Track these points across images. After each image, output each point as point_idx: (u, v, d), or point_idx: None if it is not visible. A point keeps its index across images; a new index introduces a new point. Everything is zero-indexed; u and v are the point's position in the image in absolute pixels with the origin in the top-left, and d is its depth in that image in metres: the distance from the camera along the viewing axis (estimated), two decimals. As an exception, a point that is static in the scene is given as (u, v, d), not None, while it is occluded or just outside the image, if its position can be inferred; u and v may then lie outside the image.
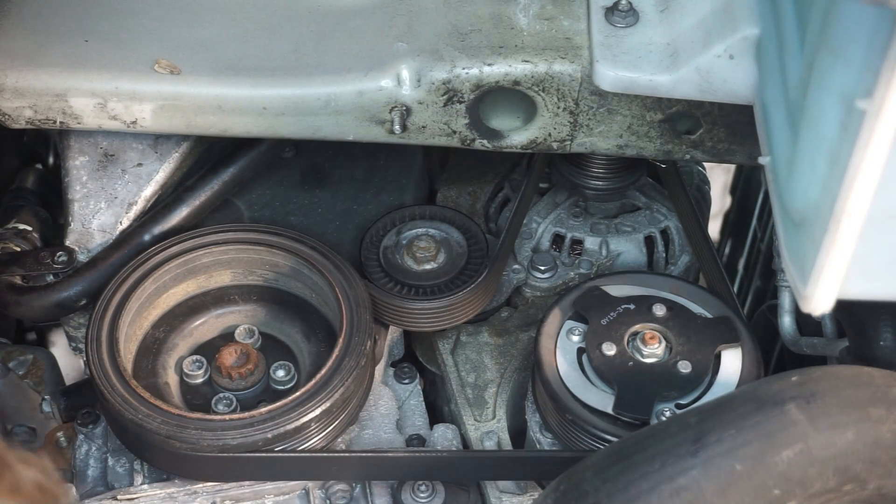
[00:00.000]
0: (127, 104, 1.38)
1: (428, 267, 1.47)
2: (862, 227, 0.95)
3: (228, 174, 1.51)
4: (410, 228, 1.50)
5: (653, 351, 1.35)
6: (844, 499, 1.08)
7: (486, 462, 1.39)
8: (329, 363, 1.34)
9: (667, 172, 1.59)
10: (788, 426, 1.06)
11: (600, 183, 1.60)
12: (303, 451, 1.32)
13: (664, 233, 1.59)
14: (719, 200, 2.39)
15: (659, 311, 1.38)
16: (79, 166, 1.48)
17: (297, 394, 1.33)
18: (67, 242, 1.46)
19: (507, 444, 1.42)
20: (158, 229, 1.46)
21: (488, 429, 1.44)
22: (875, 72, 0.87)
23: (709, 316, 1.40)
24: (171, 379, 1.41)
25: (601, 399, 1.34)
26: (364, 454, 1.36)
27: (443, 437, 1.43)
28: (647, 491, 1.04)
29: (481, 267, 1.47)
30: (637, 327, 1.37)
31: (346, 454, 1.37)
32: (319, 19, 1.45)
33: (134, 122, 1.40)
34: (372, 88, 1.37)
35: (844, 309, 1.34)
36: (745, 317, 1.43)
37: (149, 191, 1.48)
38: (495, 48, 1.38)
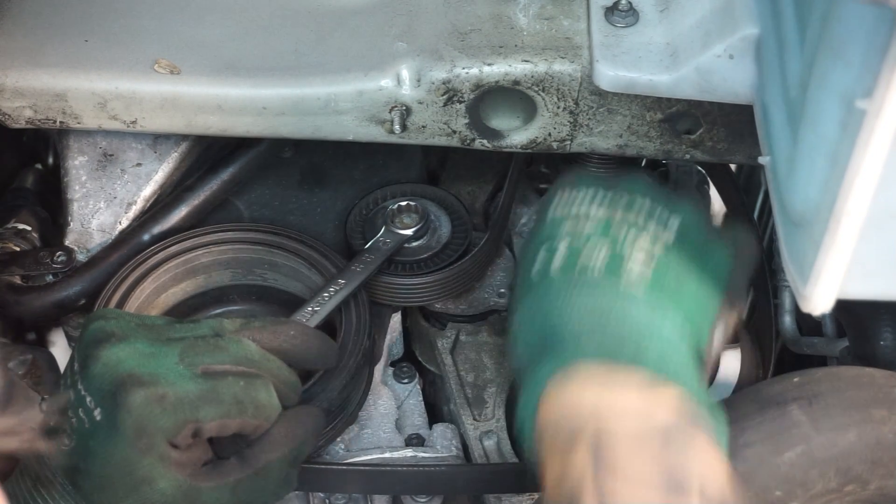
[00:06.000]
0: (127, 104, 1.38)
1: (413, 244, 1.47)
2: (862, 227, 0.95)
3: (228, 174, 1.51)
4: (392, 204, 1.50)
5: (653, 351, 1.34)
6: (846, 499, 1.09)
7: (490, 475, 1.39)
8: (329, 363, 1.34)
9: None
10: (790, 427, 1.06)
11: (600, 183, 1.59)
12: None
13: (664, 232, 1.58)
14: (720, 200, 2.38)
15: (659, 310, 1.38)
16: (78, 166, 1.48)
17: (297, 394, 1.32)
18: (67, 242, 1.45)
19: (506, 444, 1.42)
20: (158, 229, 1.46)
21: (487, 428, 1.44)
22: (875, 72, 0.87)
23: (708, 316, 1.40)
24: (171, 379, 1.40)
25: (601, 399, 1.33)
26: (364, 468, 1.36)
27: (442, 436, 1.43)
28: (650, 492, 1.04)
29: (465, 240, 1.47)
30: (637, 327, 1.37)
31: (345, 467, 1.37)
32: (319, 19, 1.45)
33: (134, 122, 1.40)
34: (372, 88, 1.37)
35: (844, 308, 1.34)
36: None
37: (148, 191, 1.48)
38: (495, 48, 1.38)
